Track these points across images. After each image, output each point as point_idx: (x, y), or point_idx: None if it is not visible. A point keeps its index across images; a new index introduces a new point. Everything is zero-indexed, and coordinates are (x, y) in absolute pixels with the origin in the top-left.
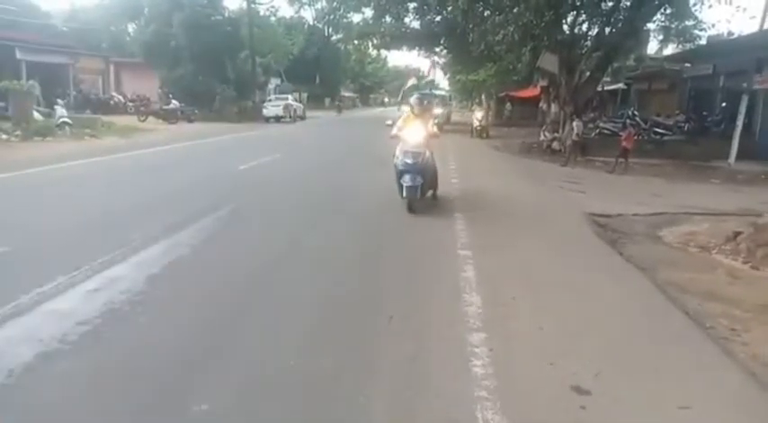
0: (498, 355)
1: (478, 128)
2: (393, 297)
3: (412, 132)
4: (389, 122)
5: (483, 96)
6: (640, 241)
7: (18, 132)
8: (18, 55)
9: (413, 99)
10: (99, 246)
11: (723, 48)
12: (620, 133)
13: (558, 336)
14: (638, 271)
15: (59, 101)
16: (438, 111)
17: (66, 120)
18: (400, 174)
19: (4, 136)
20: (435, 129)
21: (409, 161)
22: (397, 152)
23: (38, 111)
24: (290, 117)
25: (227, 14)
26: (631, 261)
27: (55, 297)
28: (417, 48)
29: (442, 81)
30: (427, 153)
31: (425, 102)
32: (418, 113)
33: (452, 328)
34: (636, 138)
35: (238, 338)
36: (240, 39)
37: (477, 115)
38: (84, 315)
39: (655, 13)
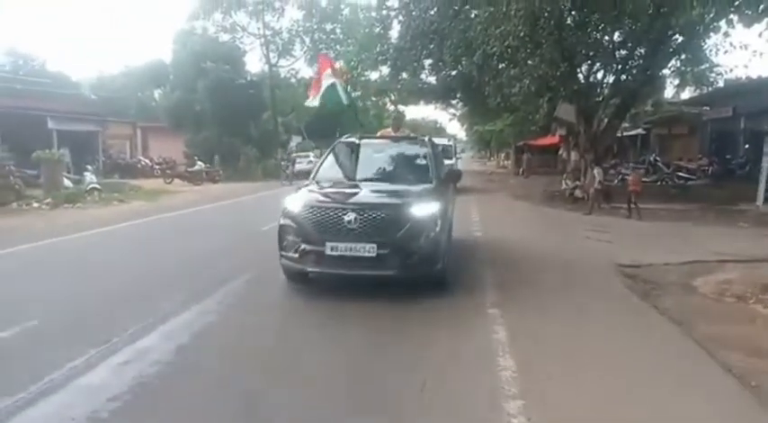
0: None
1: None
2: None
3: None
4: None
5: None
6: (674, 292)
7: (49, 200)
8: (50, 124)
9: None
10: (127, 316)
11: (741, 90)
12: (627, 177)
13: (598, 402)
14: (675, 325)
15: (89, 167)
16: None
17: (95, 185)
18: None
19: (36, 204)
20: None
21: None
22: None
23: (68, 178)
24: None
25: (249, 78)
26: (666, 314)
27: (86, 372)
28: (434, 101)
29: (460, 131)
30: None
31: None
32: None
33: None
34: (643, 180)
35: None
36: (262, 100)
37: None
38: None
39: (670, 60)
